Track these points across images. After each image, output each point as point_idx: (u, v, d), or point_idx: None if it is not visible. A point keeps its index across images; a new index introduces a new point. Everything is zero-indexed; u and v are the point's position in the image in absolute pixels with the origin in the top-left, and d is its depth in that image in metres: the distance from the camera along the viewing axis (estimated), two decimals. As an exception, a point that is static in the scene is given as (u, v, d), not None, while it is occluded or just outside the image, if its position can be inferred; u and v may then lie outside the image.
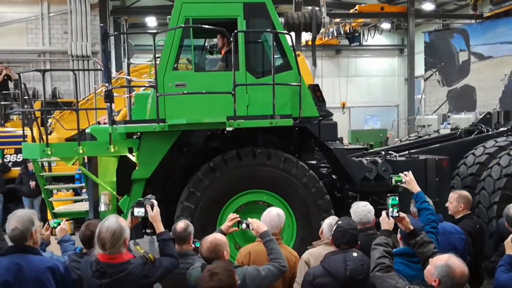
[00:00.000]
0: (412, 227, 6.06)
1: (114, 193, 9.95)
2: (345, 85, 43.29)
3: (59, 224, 6.88)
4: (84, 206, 11.12)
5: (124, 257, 5.41)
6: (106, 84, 9.14)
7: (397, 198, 6.12)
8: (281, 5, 36.36)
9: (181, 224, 6.57)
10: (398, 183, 7.16)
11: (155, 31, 9.66)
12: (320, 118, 10.15)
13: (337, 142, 10.45)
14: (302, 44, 23.68)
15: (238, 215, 6.67)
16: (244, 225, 6.42)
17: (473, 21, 34.49)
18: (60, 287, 5.57)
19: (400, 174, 7.22)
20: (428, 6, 37.56)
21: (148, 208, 6.06)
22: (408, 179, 7.12)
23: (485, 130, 12.56)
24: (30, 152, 10.26)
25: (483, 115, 13.93)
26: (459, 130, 13.43)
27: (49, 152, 9.47)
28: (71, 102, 17.80)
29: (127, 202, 9.66)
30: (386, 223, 6.06)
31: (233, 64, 9.05)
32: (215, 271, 5.00)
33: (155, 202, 6.19)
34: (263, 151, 9.63)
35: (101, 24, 9.73)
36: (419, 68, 37.18)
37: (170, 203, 9.69)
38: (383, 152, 11.95)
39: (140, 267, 5.44)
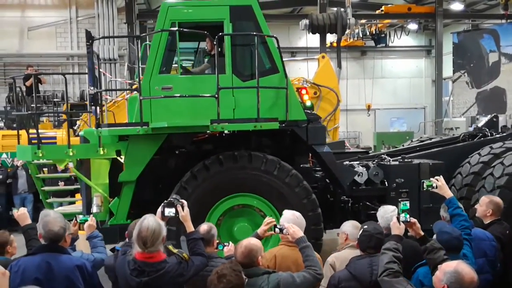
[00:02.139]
0: (422, 233, 6.05)
1: (106, 195, 10.00)
2: (370, 87, 43.04)
3: (86, 220, 6.93)
4: (79, 207, 11.15)
5: (161, 256, 5.51)
6: (91, 88, 9.13)
7: (407, 204, 6.12)
8: (306, 6, 36.34)
9: (204, 227, 6.58)
10: (430, 188, 7.12)
11: (139, 34, 9.59)
12: (308, 121, 9.92)
13: (326, 145, 10.21)
14: (327, 46, 23.65)
15: (274, 219, 6.63)
16: (278, 229, 6.31)
17: (503, 21, 33.98)
18: (88, 285, 5.75)
19: (432, 179, 7.17)
20: (457, 6, 37.04)
21: (179, 208, 6.15)
22: (440, 184, 7.08)
23: (489, 134, 12.18)
24: (22, 154, 10.35)
25: (489, 118, 13.52)
26: (462, 134, 13.07)
27: (40, 155, 9.54)
28: (85, 105, 18.00)
29: (117, 204, 9.69)
30: (397, 228, 6.02)
31: (216, 67, 9.01)
32: (223, 273, 5.01)
33: (185, 202, 6.28)
34: (244, 154, 9.50)
35: (86, 29, 9.69)
36: (447, 70, 36.78)
37: None
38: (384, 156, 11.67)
39: (176, 266, 5.55)
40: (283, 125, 9.52)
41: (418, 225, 6.05)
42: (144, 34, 10.15)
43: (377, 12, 35.02)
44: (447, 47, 36.44)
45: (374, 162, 10.87)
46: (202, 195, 9.33)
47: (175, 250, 5.78)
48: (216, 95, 8.86)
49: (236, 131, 9.72)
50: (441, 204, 9.69)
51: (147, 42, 10.35)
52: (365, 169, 10.46)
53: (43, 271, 5.47)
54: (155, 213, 8.93)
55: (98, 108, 9.40)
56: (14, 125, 19.70)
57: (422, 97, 44.56)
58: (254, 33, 9.32)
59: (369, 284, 5.88)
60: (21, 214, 6.72)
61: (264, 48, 9.66)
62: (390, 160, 10.99)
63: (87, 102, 15.60)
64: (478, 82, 34.70)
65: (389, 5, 35.05)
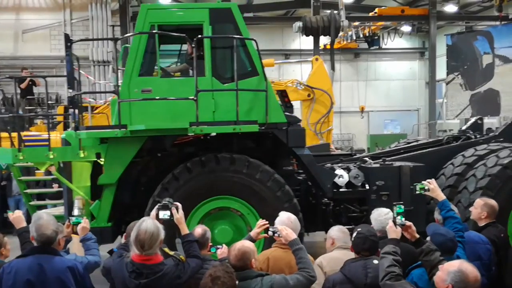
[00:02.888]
0: (418, 236, 6.04)
1: (87, 197, 10.01)
2: (364, 89, 43.02)
3: (79, 222, 6.89)
4: (61, 210, 11.10)
5: (159, 258, 5.56)
6: (70, 91, 9.17)
7: (402, 207, 6.13)
8: (300, 9, 36.36)
9: (198, 230, 6.64)
10: (422, 191, 7.16)
11: (116, 37, 9.60)
12: (289, 124, 9.93)
13: (305, 148, 10.22)
14: (320, 48, 23.67)
15: (267, 222, 6.65)
16: (271, 232, 6.33)
17: (498, 22, 34.06)
18: (79, 287, 5.75)
19: (424, 182, 7.19)
20: (451, 8, 37.03)
21: (174, 210, 6.20)
22: (432, 187, 7.10)
23: (473, 137, 12.18)
24: (3, 156, 10.35)
25: (473, 120, 13.51)
26: (446, 136, 13.08)
27: (21, 157, 9.57)
28: (92, 107, 18.01)
29: (98, 207, 9.70)
30: (394, 231, 6.00)
31: (195, 70, 9.02)
32: (217, 275, 5.06)
33: (179, 205, 6.32)
34: (226, 156, 9.52)
35: (65, 32, 9.69)
36: (441, 72, 36.79)
37: (144, 208, 9.58)
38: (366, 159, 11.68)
39: (173, 268, 5.62)
40: (263, 127, 9.52)
41: (414, 228, 6.06)
42: (122, 36, 10.07)
43: (370, 14, 34.95)
44: (440, 49, 36.45)
45: (355, 165, 10.86)
46: (183, 198, 9.24)
47: (171, 252, 5.84)
48: (195, 98, 8.86)
49: (218, 134, 9.72)
50: (422, 206, 9.81)
51: (127, 44, 10.33)
52: (346, 171, 10.44)
53: (35, 273, 5.49)
54: (139, 216, 8.98)
55: (77, 110, 9.47)
56: (8, 128, 19.65)
57: (416, 99, 44.51)
58: (233, 35, 9.33)
59: (363, 286, 5.92)
60: (17, 217, 6.73)
61: (243, 50, 9.65)
62: (371, 162, 10.97)
63: (84, 105, 15.58)
64: (472, 84, 34.72)
65: (382, 7, 34.99)
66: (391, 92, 44.30)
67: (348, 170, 10.54)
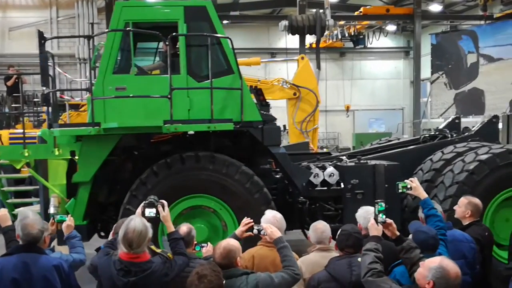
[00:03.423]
0: (398, 233, 6.05)
1: (63, 196, 9.93)
2: (349, 88, 43.19)
3: (63, 220, 6.86)
4: (38, 208, 11.07)
5: (146, 256, 5.54)
6: (44, 88, 9.15)
7: (384, 204, 6.11)
8: (285, 7, 36.43)
9: (184, 228, 6.58)
10: (405, 190, 7.15)
11: (90, 34, 9.56)
12: (264, 122, 9.95)
13: (281, 147, 10.26)
14: (306, 47, 23.71)
15: (252, 220, 6.59)
16: (256, 230, 6.31)
17: (482, 22, 34.14)
18: (65, 285, 5.74)
19: (406, 180, 7.20)
20: (435, 8, 37.25)
21: (160, 208, 6.20)
22: (414, 185, 7.09)
23: (450, 136, 12.24)
24: None
25: (450, 119, 13.54)
26: (423, 135, 13.14)
27: (-7, 155, 9.49)
28: (78, 105, 17.99)
29: (73, 205, 9.63)
30: (375, 229, 6.00)
31: (169, 68, 8.99)
32: (204, 273, 5.03)
33: (165, 202, 6.33)
34: (191, 155, 9.50)
35: (38, 29, 9.69)
36: (425, 71, 36.94)
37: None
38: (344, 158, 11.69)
39: (161, 265, 5.61)
40: (238, 126, 9.52)
41: (395, 225, 6.07)
42: (95, 34, 10.03)
43: (355, 13, 35.06)
44: (425, 48, 36.55)
45: (330, 164, 10.89)
46: (169, 188, 9.35)
47: (158, 250, 5.84)
48: (169, 96, 8.86)
49: (196, 132, 9.74)
50: (396, 204, 9.84)
51: (102, 42, 10.31)
52: (321, 170, 10.46)
53: (21, 271, 5.48)
54: (115, 215, 8.96)
55: (50, 108, 9.47)
56: None
57: (401, 98, 44.70)
58: (206, 34, 9.35)
59: (348, 284, 5.93)
60: (2, 215, 6.63)
61: (219, 49, 9.65)
62: (347, 161, 11.02)
63: (69, 103, 15.57)
64: (456, 83, 34.81)
65: (367, 7, 35.09)
66: (376, 91, 44.49)
67: (323, 168, 10.54)
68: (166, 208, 6.26)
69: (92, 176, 9.48)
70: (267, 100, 11.42)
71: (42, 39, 9.26)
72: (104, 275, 5.65)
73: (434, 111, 35.68)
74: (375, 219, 6.04)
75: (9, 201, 11.30)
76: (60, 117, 15.93)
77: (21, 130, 13.12)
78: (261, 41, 41.31)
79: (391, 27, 39.46)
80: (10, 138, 16.45)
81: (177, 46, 9.61)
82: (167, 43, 9.00)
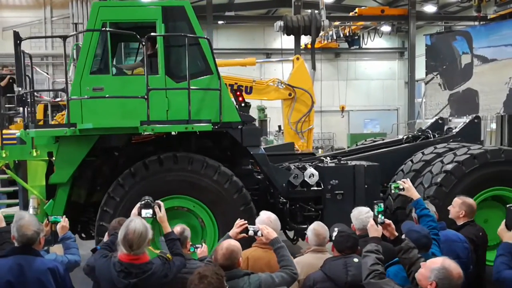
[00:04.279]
0: (397, 234, 6.03)
1: (42, 197, 9.84)
2: (344, 89, 43.27)
3: (57, 221, 6.81)
4: (16, 209, 11.01)
5: (146, 257, 5.53)
6: (19, 89, 9.12)
7: (382, 205, 6.13)
8: (281, 8, 36.46)
9: (177, 228, 6.56)
10: (397, 190, 7.27)
11: (66, 34, 9.52)
12: (243, 123, 9.90)
13: (260, 147, 10.21)
14: (301, 47, 23.78)
15: (246, 221, 6.50)
16: (251, 232, 6.28)
17: (476, 23, 34.26)
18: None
19: (399, 181, 7.27)
20: (430, 8, 37.34)
21: (157, 209, 6.20)
22: (407, 186, 7.18)
23: (432, 136, 12.26)
24: None
25: (434, 120, 13.57)
26: (405, 136, 13.14)
27: (-30, 156, 9.43)
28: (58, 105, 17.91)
29: (51, 206, 9.51)
30: (375, 230, 5.99)
31: (145, 68, 8.95)
32: (205, 274, 5.01)
33: (162, 203, 6.32)
34: (169, 156, 9.43)
35: (14, 30, 9.63)
36: (420, 71, 37.01)
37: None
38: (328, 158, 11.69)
39: (161, 266, 5.60)
40: (216, 127, 9.49)
41: (393, 226, 6.05)
42: (71, 34, 9.96)
43: (350, 14, 35.13)
44: (420, 49, 36.63)
45: (311, 164, 10.90)
46: (138, 196, 9.26)
47: (157, 251, 5.89)
48: (146, 96, 8.82)
49: (176, 133, 9.67)
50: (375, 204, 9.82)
51: (79, 42, 10.25)
52: (301, 171, 10.47)
53: (15, 274, 5.43)
54: (95, 216, 8.91)
55: (26, 108, 9.42)
56: None
57: (395, 98, 44.84)
58: (184, 34, 9.23)
59: (344, 285, 5.93)
60: None
61: (197, 49, 9.56)
62: (328, 162, 11.04)
63: (61, 103, 15.51)
64: (451, 84, 34.83)
65: (362, 7, 35.15)
66: (371, 92, 44.62)
67: (303, 169, 10.54)
68: (163, 208, 6.26)
69: (69, 177, 9.39)
70: (247, 101, 11.40)
71: (17, 39, 9.22)
72: (103, 277, 5.62)
73: (429, 112, 35.65)
74: (375, 220, 6.03)
75: None
76: (54, 118, 15.93)
77: (15, 131, 13.16)
78: (256, 42, 41.40)
79: (386, 28, 39.54)
80: (3, 139, 16.49)
81: (156, 46, 9.57)
82: (143, 43, 8.94)
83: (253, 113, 32.95)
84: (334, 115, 40.96)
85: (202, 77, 9.54)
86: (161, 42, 9.34)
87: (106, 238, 6.67)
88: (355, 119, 43.91)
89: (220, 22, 38.21)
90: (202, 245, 6.86)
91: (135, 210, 6.18)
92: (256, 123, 32.78)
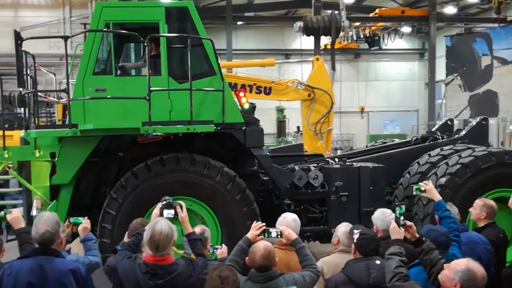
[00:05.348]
0: (418, 235, 6.03)
1: (45, 198, 9.77)
2: (364, 89, 43.28)
3: (78, 222, 6.82)
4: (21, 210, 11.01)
5: (171, 258, 5.51)
6: (20, 89, 9.13)
7: (404, 207, 6.15)
8: (300, 9, 36.41)
9: (197, 229, 6.56)
10: (419, 192, 7.22)
11: (67, 35, 9.53)
12: (246, 124, 9.84)
13: (263, 149, 10.16)
14: (321, 48, 23.76)
15: (264, 223, 6.37)
16: (274, 233, 6.19)
17: (496, 25, 34.01)
18: None
19: (420, 183, 7.22)
20: (450, 10, 37.18)
21: (178, 209, 6.14)
22: (428, 188, 7.12)
23: (440, 138, 12.16)
24: None
25: (442, 122, 13.46)
26: (414, 137, 13.04)
27: (-27, 156, 9.49)
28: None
29: (55, 207, 9.42)
30: (397, 232, 6.01)
31: (148, 69, 8.86)
32: (226, 274, 5.04)
33: (183, 204, 6.27)
34: (172, 156, 9.36)
35: (15, 29, 9.64)
36: (440, 73, 36.86)
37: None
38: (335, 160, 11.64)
39: (185, 267, 5.55)
40: (219, 128, 9.40)
41: (414, 227, 6.04)
42: (72, 34, 9.98)
43: (371, 15, 35.11)
44: (440, 50, 36.51)
45: (315, 166, 10.88)
46: (140, 199, 9.20)
47: (180, 252, 5.80)
48: (147, 97, 8.75)
49: (183, 134, 9.59)
50: (382, 207, 9.73)
51: (82, 43, 10.19)
52: (305, 172, 10.44)
53: (36, 275, 5.34)
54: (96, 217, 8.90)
55: (27, 109, 9.41)
56: (7, 126, 19.56)
57: (415, 99, 44.67)
58: (186, 35, 9.19)
59: (366, 287, 5.89)
60: (15, 217, 6.47)
61: (200, 50, 9.50)
62: (333, 163, 11.00)
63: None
64: (471, 85, 34.75)
65: (383, 8, 35.13)
66: (391, 93, 44.47)
67: (308, 170, 10.51)
68: (184, 209, 6.21)
69: (72, 178, 9.35)
70: (253, 101, 11.37)
71: (18, 39, 9.23)
72: (128, 279, 5.59)
73: (449, 113, 35.50)
74: (397, 222, 6.03)
75: None
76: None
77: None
78: (275, 42, 41.43)
79: (406, 29, 39.36)
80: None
81: (159, 47, 9.54)
82: (145, 44, 8.90)
83: (272, 114, 33.21)
84: (354, 116, 40.87)
85: (205, 78, 9.46)
86: (164, 43, 9.25)
87: (126, 239, 6.61)
88: (375, 120, 43.79)
89: (239, 22, 38.29)
90: (221, 246, 6.82)
91: (156, 211, 6.10)
92: (275, 124, 33.56)
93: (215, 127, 9.33)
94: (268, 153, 10.23)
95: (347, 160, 11.05)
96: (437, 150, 10.92)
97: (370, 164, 10.69)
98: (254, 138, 9.87)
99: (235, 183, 9.48)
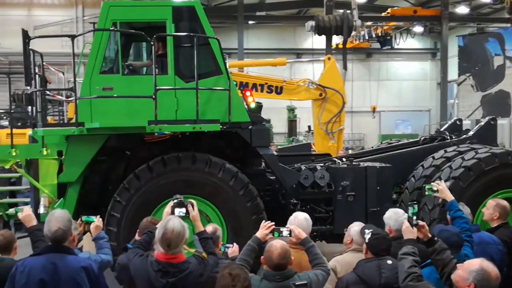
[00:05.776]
0: (430, 235, 6.03)
1: (53, 196, 9.83)
2: (375, 89, 43.17)
3: (90, 221, 6.84)
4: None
5: (183, 256, 5.52)
6: (28, 88, 9.19)
7: (416, 207, 6.15)
8: (312, 8, 36.39)
9: (209, 228, 6.58)
10: (431, 192, 7.18)
11: (74, 34, 9.58)
12: (253, 123, 9.86)
13: (269, 148, 10.20)
14: (332, 47, 23.70)
15: (273, 222, 6.35)
16: (286, 232, 6.18)
17: (508, 24, 33.78)
18: (94, 286, 5.62)
19: (433, 183, 7.22)
20: (462, 10, 37.06)
21: (190, 208, 6.14)
22: (441, 188, 7.10)
23: (449, 138, 12.10)
24: None
25: (451, 121, 13.38)
26: (423, 137, 12.96)
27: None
28: None
29: (62, 205, 9.49)
30: (410, 232, 5.99)
31: (154, 68, 8.90)
32: (236, 272, 5.02)
33: (195, 202, 6.29)
34: (172, 156, 9.40)
35: (23, 28, 9.69)
36: (452, 73, 36.74)
37: None
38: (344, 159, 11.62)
39: (197, 266, 5.56)
40: (225, 127, 9.45)
41: (427, 227, 6.05)
42: (79, 33, 10.00)
43: (383, 14, 35.05)
44: (452, 50, 36.40)
45: (322, 165, 10.87)
46: (145, 197, 9.27)
47: (192, 250, 5.80)
48: (154, 96, 8.78)
49: (190, 133, 9.63)
50: (389, 207, 9.70)
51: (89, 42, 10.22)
52: (311, 172, 10.44)
53: (49, 272, 5.37)
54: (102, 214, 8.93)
55: (34, 108, 9.46)
56: (19, 124, 19.61)
57: (427, 99, 44.55)
58: (193, 34, 9.20)
59: (377, 287, 5.87)
60: (26, 215, 6.50)
61: (207, 49, 9.51)
62: (340, 163, 10.99)
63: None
64: (483, 85, 34.65)
65: (395, 8, 35.07)
66: (402, 92, 44.38)
67: (314, 170, 10.51)
68: (196, 207, 6.21)
69: (78, 176, 9.42)
70: (259, 100, 11.37)
71: (26, 38, 9.29)
72: (140, 277, 5.60)
73: (461, 113, 35.35)
74: (410, 222, 6.02)
75: (0, 201, 11.17)
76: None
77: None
78: (287, 42, 41.44)
79: (418, 29, 39.27)
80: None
81: (165, 46, 9.56)
82: (152, 43, 8.93)
83: (283, 113, 33.22)
84: (365, 116, 40.80)
85: (211, 77, 9.50)
86: (171, 42, 9.30)
87: (137, 237, 6.66)
88: (387, 120, 43.72)
89: (251, 22, 38.31)
90: (233, 245, 6.86)
91: (168, 209, 6.12)
92: (286, 123, 33.53)
93: (221, 126, 9.35)
94: (274, 152, 10.20)
95: (354, 160, 11.03)
96: (441, 152, 10.84)
97: (377, 164, 10.66)
98: (260, 137, 9.89)
99: (237, 179, 9.48)
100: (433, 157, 10.78)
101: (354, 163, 10.77)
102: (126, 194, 9.25)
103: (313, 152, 13.40)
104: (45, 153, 9.41)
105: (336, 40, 28.36)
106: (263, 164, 10.71)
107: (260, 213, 9.49)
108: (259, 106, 10.87)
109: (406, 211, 6.28)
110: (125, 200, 9.21)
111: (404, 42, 38.62)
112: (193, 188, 9.23)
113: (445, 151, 10.78)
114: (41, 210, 9.48)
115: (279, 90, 13.65)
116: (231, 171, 9.47)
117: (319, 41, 25.28)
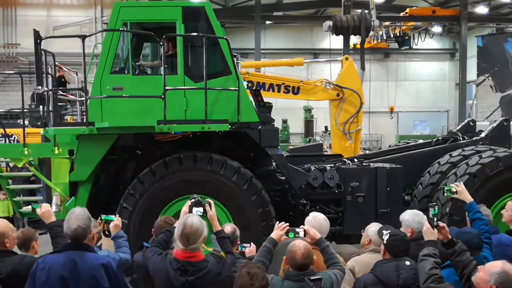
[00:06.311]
0: (450, 236, 5.99)
1: (65, 194, 9.93)
2: (393, 89, 43.00)
3: (109, 219, 6.87)
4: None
5: (201, 255, 5.54)
6: (39, 87, 9.31)
7: (437, 208, 6.13)
8: (330, 8, 36.35)
9: (228, 228, 6.62)
10: (450, 193, 7.11)
11: (84, 34, 9.66)
12: (262, 123, 9.88)
13: (278, 148, 10.19)
14: (350, 48, 23.67)
15: (287, 223, 6.35)
16: (301, 233, 6.16)
17: (528, 25, 33.62)
18: (113, 284, 5.67)
19: (451, 184, 7.16)
20: (482, 10, 36.82)
21: (207, 207, 6.17)
22: (460, 189, 7.03)
23: (461, 139, 12.03)
24: None
25: (465, 122, 13.30)
26: (436, 138, 12.86)
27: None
28: None
29: (73, 204, 9.57)
30: (431, 233, 5.93)
31: (163, 68, 9.01)
32: (254, 271, 5.02)
33: (212, 202, 6.33)
34: (188, 155, 9.44)
35: (34, 28, 9.80)
36: (471, 73, 36.51)
37: None
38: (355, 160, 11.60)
39: (215, 264, 5.58)
40: (234, 127, 9.49)
41: (447, 228, 6.01)
42: (90, 34, 10.10)
43: (401, 14, 34.96)
44: (471, 51, 36.18)
45: (332, 166, 10.86)
46: (150, 201, 9.34)
47: (210, 249, 5.87)
48: (163, 96, 8.86)
49: (200, 133, 9.66)
50: (399, 208, 9.67)
51: (99, 42, 10.34)
52: (321, 172, 10.43)
53: (69, 269, 5.44)
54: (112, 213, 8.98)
55: (45, 107, 9.57)
56: (39, 123, 19.77)
57: (446, 100, 44.23)
58: (202, 34, 9.25)
59: None
60: (45, 211, 6.55)
61: (216, 49, 9.58)
62: (350, 164, 10.97)
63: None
64: (502, 86, 34.43)
65: (413, 8, 34.96)
66: (421, 93, 44.18)
67: (323, 170, 10.48)
68: (213, 207, 6.24)
69: (89, 175, 9.49)
70: (269, 101, 11.36)
71: (38, 38, 9.39)
72: (159, 275, 5.62)
73: (480, 114, 35.22)
74: (430, 223, 5.98)
75: (15, 199, 11.24)
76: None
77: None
78: (304, 42, 41.44)
79: (437, 29, 39.02)
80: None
81: (175, 46, 9.61)
82: (161, 43, 9.00)
83: (300, 113, 33.21)
84: (383, 116, 40.51)
85: (221, 77, 9.54)
86: (181, 42, 9.37)
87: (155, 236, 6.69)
88: (404, 120, 43.53)
89: (268, 22, 38.32)
90: (250, 245, 6.87)
91: (185, 208, 6.12)
92: (303, 124, 33.51)
93: (230, 126, 9.40)
94: (282, 153, 10.21)
95: (365, 161, 11.01)
96: (459, 151, 10.79)
97: (387, 165, 10.63)
98: (269, 138, 9.92)
99: (240, 174, 9.53)
100: (450, 155, 10.73)
101: (364, 163, 10.73)
102: (131, 199, 9.34)
103: (325, 153, 13.35)
104: (56, 152, 9.51)
105: (354, 40, 28.39)
106: (274, 164, 10.68)
107: (267, 206, 9.54)
108: (269, 107, 10.84)
109: (427, 212, 6.21)
110: (131, 206, 9.30)
111: (422, 42, 38.39)
112: (197, 187, 9.17)
113: (451, 156, 10.73)
114: (53, 208, 9.49)
115: (296, 90, 13.68)
116: (233, 167, 9.51)
117: (336, 41, 25.26)
